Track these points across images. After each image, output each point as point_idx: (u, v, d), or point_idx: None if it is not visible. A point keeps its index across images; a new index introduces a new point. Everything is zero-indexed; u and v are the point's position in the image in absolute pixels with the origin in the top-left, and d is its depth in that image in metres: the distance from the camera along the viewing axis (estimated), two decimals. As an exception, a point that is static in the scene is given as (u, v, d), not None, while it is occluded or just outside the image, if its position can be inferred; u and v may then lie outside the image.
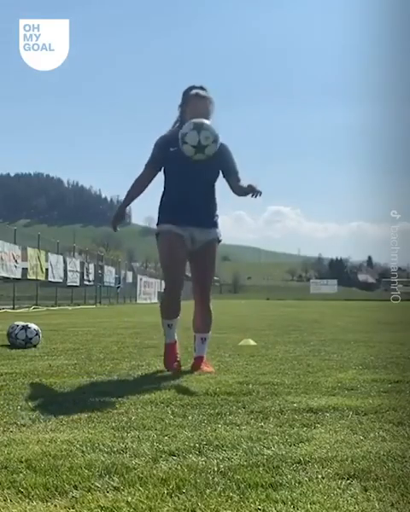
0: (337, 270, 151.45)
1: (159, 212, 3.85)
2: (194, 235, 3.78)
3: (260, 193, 3.67)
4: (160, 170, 3.81)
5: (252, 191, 3.66)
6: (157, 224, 3.88)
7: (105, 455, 1.83)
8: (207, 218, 3.84)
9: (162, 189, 3.87)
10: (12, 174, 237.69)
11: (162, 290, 3.98)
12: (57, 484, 1.57)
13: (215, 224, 3.88)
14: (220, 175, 3.83)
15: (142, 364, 4.04)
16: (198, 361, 3.80)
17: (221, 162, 3.76)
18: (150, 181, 3.86)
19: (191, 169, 3.65)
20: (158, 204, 3.89)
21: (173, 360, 3.75)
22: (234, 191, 3.81)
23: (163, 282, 3.91)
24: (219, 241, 3.92)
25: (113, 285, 31.23)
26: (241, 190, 3.76)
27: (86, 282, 26.32)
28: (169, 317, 3.82)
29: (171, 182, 3.81)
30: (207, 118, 3.61)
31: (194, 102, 3.70)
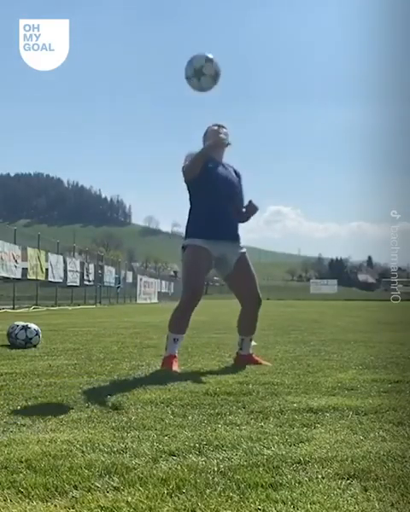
0: (337, 270, 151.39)
1: (188, 227, 4.04)
2: (224, 251, 3.98)
3: (257, 209, 4.11)
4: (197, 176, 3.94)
5: (252, 211, 4.09)
6: (185, 238, 4.04)
7: (105, 455, 1.83)
8: (235, 232, 4.09)
9: (190, 206, 4.07)
10: (12, 174, 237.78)
11: (178, 303, 3.98)
12: (57, 484, 1.57)
13: (239, 238, 4.12)
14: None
15: (142, 364, 4.04)
16: (249, 357, 4.13)
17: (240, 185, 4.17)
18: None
19: (222, 187, 3.95)
20: (186, 217, 4.04)
21: (171, 368, 3.76)
22: (236, 216, 4.11)
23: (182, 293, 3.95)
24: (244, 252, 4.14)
25: (113, 285, 31.23)
26: (242, 215, 4.12)
27: (86, 282, 26.31)
28: (179, 331, 3.91)
29: (201, 198, 4.00)
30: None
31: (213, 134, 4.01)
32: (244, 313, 4.19)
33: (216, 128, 4.02)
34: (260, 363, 4.08)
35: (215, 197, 3.94)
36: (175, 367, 3.77)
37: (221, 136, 3.94)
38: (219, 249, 3.93)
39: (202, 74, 3.60)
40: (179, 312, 3.91)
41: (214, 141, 3.92)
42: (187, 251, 3.95)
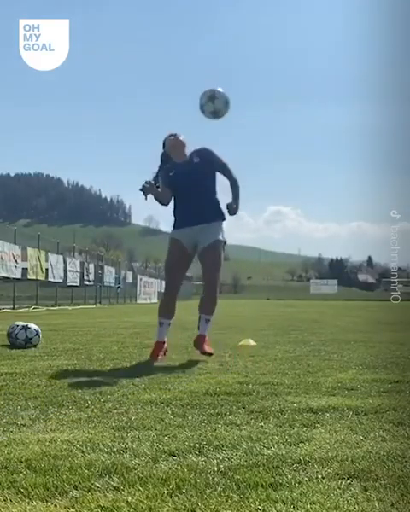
0: (337, 270, 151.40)
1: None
2: (196, 236, 4.44)
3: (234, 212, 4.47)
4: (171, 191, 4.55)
5: (231, 212, 4.46)
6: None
7: (105, 455, 1.83)
8: (203, 217, 4.46)
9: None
10: (12, 174, 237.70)
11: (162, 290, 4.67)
12: (57, 484, 1.57)
13: (213, 219, 4.50)
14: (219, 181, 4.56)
15: (142, 364, 4.04)
16: (201, 338, 4.43)
17: (212, 166, 4.50)
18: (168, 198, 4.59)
19: (185, 185, 4.45)
20: (158, 206, 4.62)
21: (158, 355, 4.31)
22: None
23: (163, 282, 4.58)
24: (224, 242, 4.54)
25: (113, 285, 31.22)
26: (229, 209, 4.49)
27: (86, 282, 26.30)
28: (163, 315, 4.50)
29: (175, 199, 4.58)
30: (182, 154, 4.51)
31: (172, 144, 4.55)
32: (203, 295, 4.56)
33: (172, 138, 4.55)
34: (205, 349, 4.35)
35: (180, 194, 4.50)
36: (159, 357, 4.28)
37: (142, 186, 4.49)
38: (191, 235, 4.45)
39: (215, 98, 4.26)
40: (163, 300, 4.64)
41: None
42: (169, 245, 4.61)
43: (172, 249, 4.53)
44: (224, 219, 4.53)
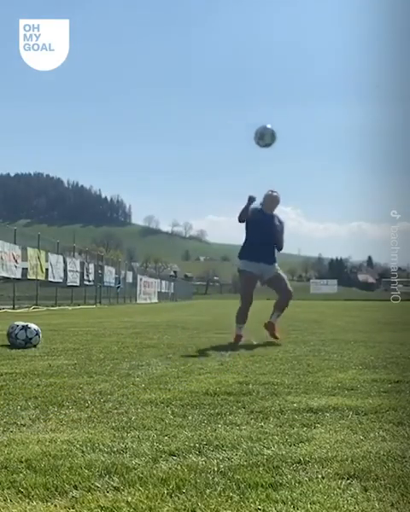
0: (337, 270, 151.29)
1: (241, 251, 6.41)
2: (261, 269, 6.21)
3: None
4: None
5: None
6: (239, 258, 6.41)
7: (105, 455, 1.84)
8: (268, 258, 6.27)
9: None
10: (12, 174, 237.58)
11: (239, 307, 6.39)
12: (57, 484, 1.57)
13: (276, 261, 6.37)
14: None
15: (142, 364, 4.04)
16: (272, 325, 6.19)
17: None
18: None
19: (258, 231, 6.18)
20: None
21: (239, 340, 5.86)
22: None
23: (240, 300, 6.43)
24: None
25: (113, 285, 31.21)
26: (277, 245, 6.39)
27: (86, 282, 26.29)
28: (240, 322, 6.13)
29: (248, 235, 6.34)
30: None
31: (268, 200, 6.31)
32: (278, 300, 6.45)
33: (275, 194, 6.30)
34: (275, 335, 6.08)
35: (253, 236, 6.26)
36: (237, 340, 5.88)
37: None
38: (258, 268, 6.20)
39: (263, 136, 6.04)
40: (240, 310, 6.26)
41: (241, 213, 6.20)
42: (239, 272, 6.42)
43: (246, 276, 6.30)
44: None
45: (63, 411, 2.48)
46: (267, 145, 6.02)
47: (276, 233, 6.27)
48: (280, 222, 6.38)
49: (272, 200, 6.27)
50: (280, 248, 6.36)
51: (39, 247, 20.28)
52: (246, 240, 6.36)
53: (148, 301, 36.51)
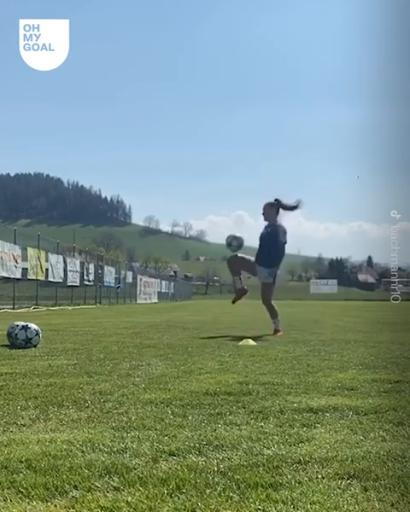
0: (337, 270, 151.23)
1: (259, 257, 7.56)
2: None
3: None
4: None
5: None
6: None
7: (105, 455, 1.84)
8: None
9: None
10: (12, 174, 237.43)
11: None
12: (57, 484, 1.57)
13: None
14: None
15: (142, 364, 4.04)
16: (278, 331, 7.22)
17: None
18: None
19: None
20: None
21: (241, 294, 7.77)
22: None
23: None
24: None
25: (113, 285, 31.21)
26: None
27: (86, 282, 26.29)
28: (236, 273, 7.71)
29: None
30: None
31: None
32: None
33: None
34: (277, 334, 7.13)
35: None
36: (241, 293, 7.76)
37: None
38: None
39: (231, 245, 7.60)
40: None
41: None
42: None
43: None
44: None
45: (63, 411, 2.48)
46: (233, 250, 7.57)
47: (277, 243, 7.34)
48: (284, 230, 7.36)
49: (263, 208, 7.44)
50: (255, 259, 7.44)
51: (39, 247, 20.28)
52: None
53: (148, 301, 36.51)
